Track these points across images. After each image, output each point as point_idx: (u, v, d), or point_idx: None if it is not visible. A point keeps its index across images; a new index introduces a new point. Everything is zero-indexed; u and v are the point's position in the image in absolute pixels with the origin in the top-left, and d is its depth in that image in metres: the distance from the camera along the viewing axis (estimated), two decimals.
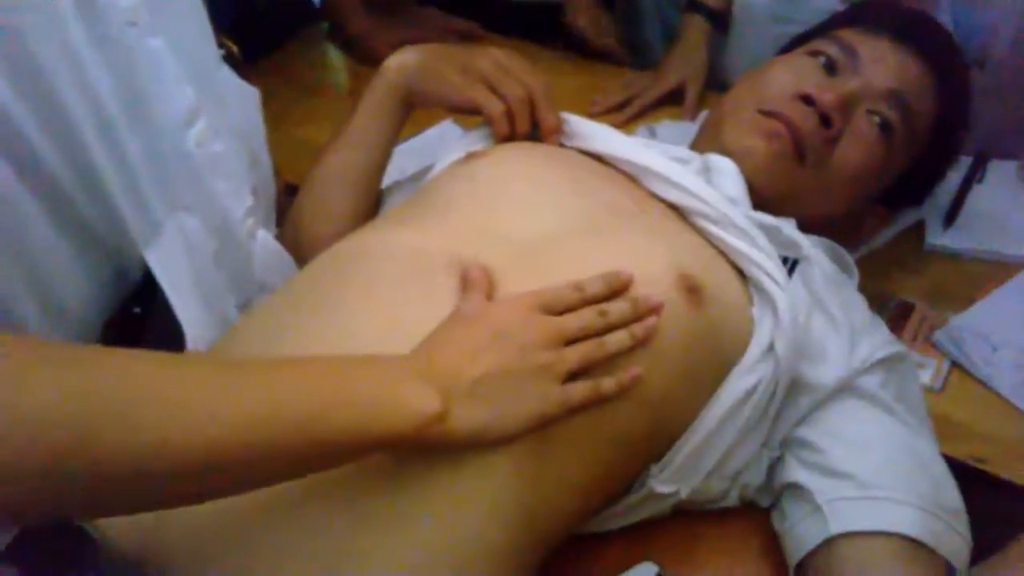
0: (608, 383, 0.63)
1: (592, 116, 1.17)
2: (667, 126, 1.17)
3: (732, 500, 0.76)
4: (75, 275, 0.65)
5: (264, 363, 0.54)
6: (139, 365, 0.47)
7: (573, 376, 0.62)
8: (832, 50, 0.87)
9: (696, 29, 1.27)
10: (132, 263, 0.68)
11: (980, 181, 1.10)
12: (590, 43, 1.38)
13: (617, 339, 0.64)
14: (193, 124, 0.69)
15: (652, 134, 1.14)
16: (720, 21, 1.28)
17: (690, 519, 0.77)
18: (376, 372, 0.55)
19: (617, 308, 0.64)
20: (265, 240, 0.82)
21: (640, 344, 0.65)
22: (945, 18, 1.08)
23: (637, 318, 0.65)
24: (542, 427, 0.60)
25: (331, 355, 0.58)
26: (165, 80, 0.66)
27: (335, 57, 1.44)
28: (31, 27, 0.55)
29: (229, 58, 0.79)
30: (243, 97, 0.80)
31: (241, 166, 0.77)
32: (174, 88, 0.67)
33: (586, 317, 0.63)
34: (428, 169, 0.91)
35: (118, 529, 0.56)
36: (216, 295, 0.74)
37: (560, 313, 0.63)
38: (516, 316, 0.61)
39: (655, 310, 0.66)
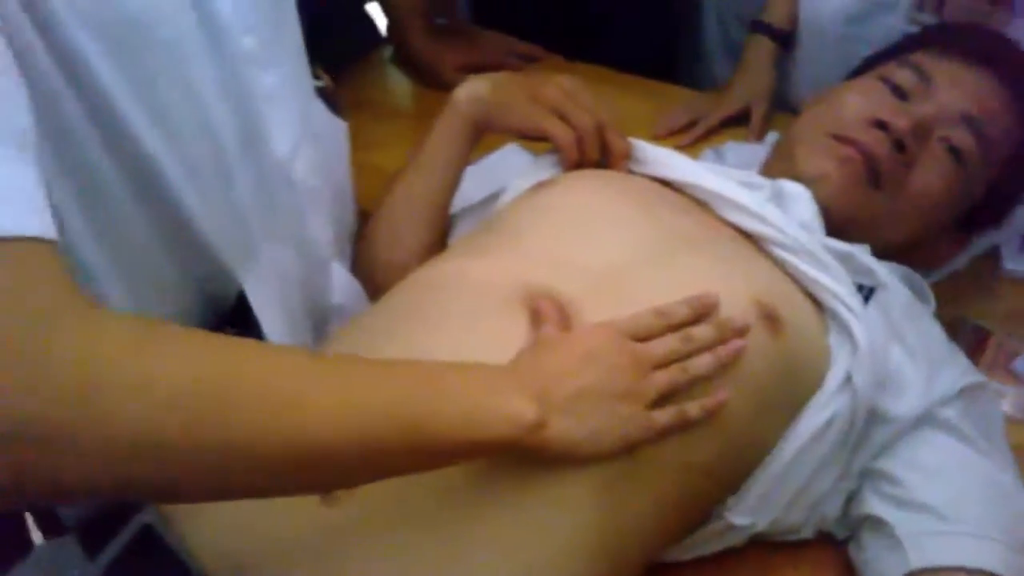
0: (693, 408, 0.63)
1: (658, 139, 1.18)
2: (734, 148, 1.16)
3: (808, 532, 0.76)
4: (178, 288, 0.68)
5: (376, 362, 0.56)
6: (271, 354, 0.50)
7: (658, 402, 0.62)
8: (905, 74, 0.86)
9: (761, 49, 1.26)
10: (229, 286, 0.71)
11: None
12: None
13: (703, 363, 0.64)
14: (297, 157, 0.72)
15: (719, 157, 1.13)
16: (786, 41, 1.27)
17: (763, 549, 0.76)
18: (477, 378, 0.57)
19: (702, 332, 0.65)
20: (339, 271, 0.83)
21: (726, 367, 0.65)
22: (1020, 36, 1.06)
23: (722, 341, 0.65)
24: (627, 451, 0.60)
25: (436, 361, 0.59)
26: (277, 115, 0.69)
27: (400, 80, 1.45)
28: (156, 59, 0.58)
29: (323, 91, 0.81)
30: (333, 130, 0.82)
31: (328, 199, 0.79)
32: (284, 123, 0.70)
33: (671, 343, 0.64)
34: (497, 195, 0.92)
35: (212, 559, 0.58)
36: (300, 322, 0.76)
37: (644, 340, 0.64)
38: (605, 340, 0.62)
39: (741, 332, 0.66)
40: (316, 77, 0.81)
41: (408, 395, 0.52)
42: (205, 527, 0.59)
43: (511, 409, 0.55)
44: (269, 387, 0.47)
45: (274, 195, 0.71)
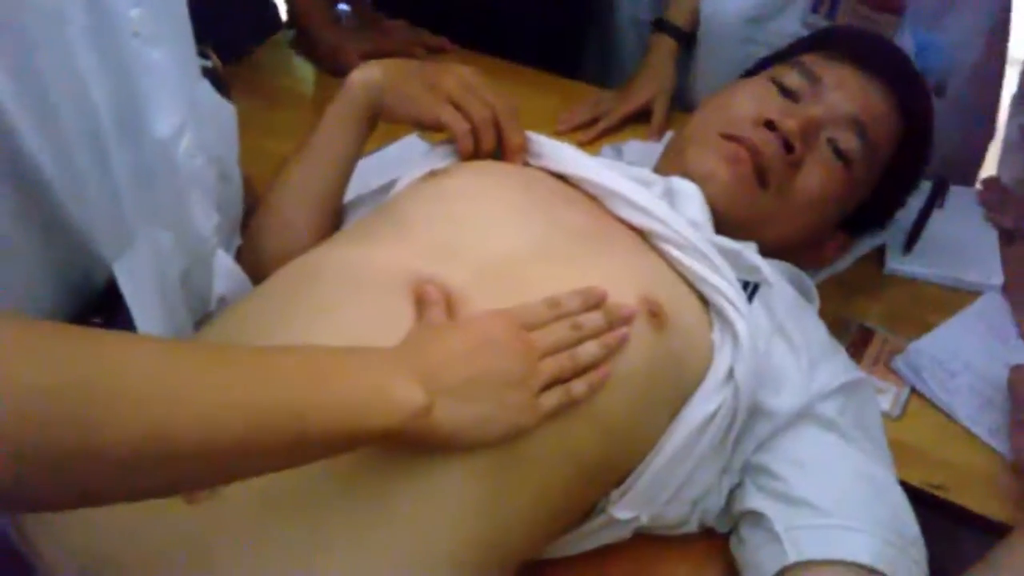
0: (579, 386, 0.63)
1: (559, 135, 1.18)
2: (633, 146, 1.17)
3: (692, 526, 0.76)
4: (39, 277, 0.63)
5: (256, 352, 0.53)
6: (139, 348, 0.47)
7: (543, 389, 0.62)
8: (795, 76, 0.88)
9: (663, 48, 1.27)
10: (98, 273, 0.67)
11: (940, 207, 1.12)
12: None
13: (589, 350, 0.64)
14: (181, 138, 0.68)
15: (618, 154, 1.14)
16: (687, 40, 1.28)
17: (648, 543, 0.76)
18: (361, 363, 0.55)
19: (590, 320, 0.65)
20: (223, 259, 0.80)
21: (612, 353, 0.65)
22: (907, 44, 1.09)
23: (609, 329, 0.65)
24: (513, 439, 0.60)
25: (317, 345, 0.57)
26: (161, 93, 0.65)
27: (301, 66, 1.42)
28: (33, 27, 0.54)
29: (210, 71, 0.78)
30: (219, 112, 0.78)
31: (213, 184, 0.76)
32: (168, 101, 0.66)
33: (561, 332, 0.64)
34: (391, 184, 0.90)
35: (63, 559, 0.54)
36: (177, 312, 0.73)
37: (534, 329, 0.63)
38: (498, 327, 0.61)
39: (627, 320, 0.66)
40: (204, 56, 0.78)
41: (288, 387, 0.50)
42: (53, 525, 0.56)
43: (397, 395, 0.53)
44: (132, 383, 0.44)
45: (153, 177, 0.67)
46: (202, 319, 0.79)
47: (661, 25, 1.28)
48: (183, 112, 0.68)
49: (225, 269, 0.82)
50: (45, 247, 0.62)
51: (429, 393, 0.54)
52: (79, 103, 0.59)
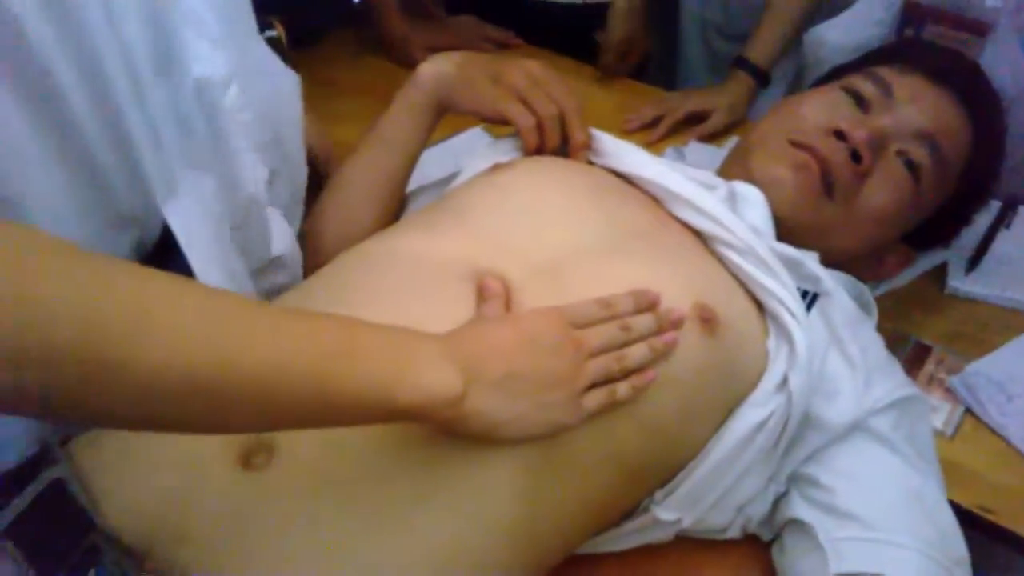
0: (623, 388, 0.63)
1: (626, 134, 1.18)
2: (696, 149, 1.16)
3: (735, 532, 0.76)
4: (73, 217, 0.64)
5: (286, 310, 0.54)
6: (158, 283, 0.47)
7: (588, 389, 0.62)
8: (867, 86, 0.87)
9: (741, 83, 1.29)
10: (152, 221, 0.68)
11: (1007, 227, 1.10)
12: (612, 63, 1.38)
13: (637, 353, 0.64)
14: (226, 89, 0.69)
15: (681, 156, 1.14)
16: (764, 78, 1.29)
17: (689, 547, 0.77)
18: (401, 341, 0.55)
19: (640, 323, 0.65)
20: (277, 219, 0.81)
21: (660, 358, 0.65)
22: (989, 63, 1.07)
23: (659, 332, 0.65)
24: (553, 437, 0.60)
25: (364, 320, 0.57)
26: (198, 39, 0.66)
27: (368, 56, 1.44)
28: None
29: (274, 41, 0.79)
30: (281, 78, 0.79)
31: (266, 141, 0.76)
32: (209, 50, 0.67)
33: (610, 332, 0.64)
34: (454, 175, 0.91)
35: (123, 517, 0.56)
36: (231, 259, 0.74)
37: (584, 327, 0.63)
38: (547, 325, 0.62)
39: (676, 324, 0.66)
40: (269, 27, 0.79)
41: (314, 345, 0.50)
42: (118, 485, 0.58)
43: (427, 377, 0.53)
44: (162, 313, 0.45)
45: (192, 120, 0.68)
46: (261, 281, 0.80)
47: (741, 63, 1.29)
48: (229, 64, 0.68)
49: (280, 230, 0.82)
50: (81, 191, 0.63)
51: (466, 383, 0.55)
52: (115, 40, 0.59)
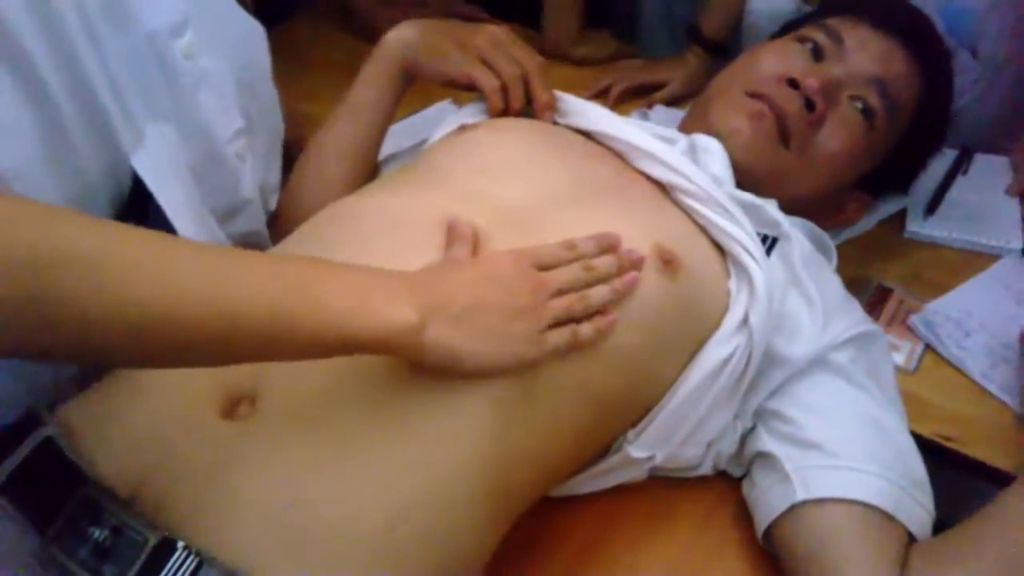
0: (585, 329, 0.65)
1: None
2: (660, 111, 1.19)
3: (706, 468, 0.79)
4: (50, 182, 0.65)
5: (244, 251, 0.56)
6: (111, 229, 0.50)
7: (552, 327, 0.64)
8: (819, 36, 0.90)
9: (696, 57, 1.29)
10: (123, 177, 0.69)
11: (964, 174, 1.13)
12: (568, 57, 1.39)
13: (599, 293, 0.66)
14: (181, 35, 0.70)
15: (644, 117, 1.16)
16: (719, 50, 1.30)
17: (663, 486, 0.80)
18: (364, 278, 0.57)
19: (602, 263, 0.67)
20: (252, 169, 0.83)
21: (621, 297, 0.67)
22: (930, 8, 1.10)
23: (620, 273, 0.67)
24: (519, 371, 0.62)
25: (330, 260, 0.59)
26: None
27: (336, 34, 1.45)
28: None
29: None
30: (245, 28, 0.81)
31: (230, 87, 0.78)
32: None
33: (573, 272, 0.66)
34: (423, 143, 0.93)
35: (112, 469, 0.58)
36: (196, 205, 0.75)
37: (548, 269, 0.65)
38: (509, 264, 0.64)
39: (636, 264, 0.68)
40: None
41: (272, 281, 0.53)
42: (106, 440, 0.59)
43: (385, 309, 0.55)
44: (124, 254, 0.47)
45: (149, 70, 0.69)
46: (225, 216, 0.82)
47: (693, 35, 1.30)
48: (181, 10, 0.70)
49: (254, 177, 0.84)
50: (50, 148, 0.64)
51: (424, 314, 0.56)
52: None
